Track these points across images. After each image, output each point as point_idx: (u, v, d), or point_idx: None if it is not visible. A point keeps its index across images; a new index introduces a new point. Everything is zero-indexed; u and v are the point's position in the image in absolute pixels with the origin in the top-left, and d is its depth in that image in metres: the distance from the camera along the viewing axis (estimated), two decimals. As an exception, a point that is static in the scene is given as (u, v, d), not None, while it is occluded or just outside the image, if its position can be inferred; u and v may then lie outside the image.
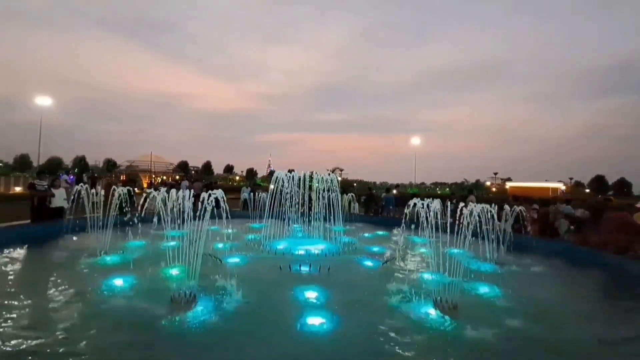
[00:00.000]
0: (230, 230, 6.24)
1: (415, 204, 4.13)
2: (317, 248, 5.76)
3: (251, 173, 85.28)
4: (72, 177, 16.75)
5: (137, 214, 4.71)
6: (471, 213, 3.99)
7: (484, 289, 3.98)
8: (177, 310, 3.01)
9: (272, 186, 6.75)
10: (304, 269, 4.53)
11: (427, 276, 4.22)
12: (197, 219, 3.53)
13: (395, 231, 8.36)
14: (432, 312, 3.23)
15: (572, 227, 7.27)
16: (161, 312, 2.97)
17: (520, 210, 6.26)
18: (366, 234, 8.01)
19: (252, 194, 11.61)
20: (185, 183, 14.33)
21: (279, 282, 4.12)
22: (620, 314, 3.55)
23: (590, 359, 2.71)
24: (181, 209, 4.35)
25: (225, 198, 4.12)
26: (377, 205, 13.13)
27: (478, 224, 4.15)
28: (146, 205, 4.48)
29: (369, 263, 5.15)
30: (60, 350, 2.32)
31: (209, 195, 3.59)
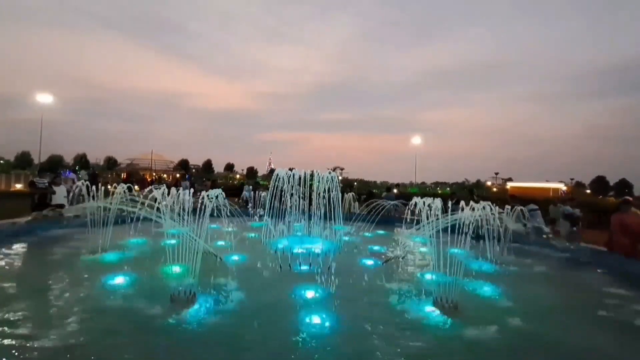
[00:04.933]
0: (230, 229, 6.23)
1: (416, 203, 4.13)
2: (317, 247, 5.74)
3: (252, 172, 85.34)
4: (69, 172, 16.75)
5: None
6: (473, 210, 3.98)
7: (484, 289, 3.97)
8: (176, 308, 2.99)
9: (271, 188, 6.73)
10: (304, 267, 4.52)
11: (427, 275, 4.20)
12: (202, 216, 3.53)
13: (395, 230, 8.35)
14: (433, 311, 3.22)
15: (574, 228, 7.24)
16: (160, 311, 2.96)
17: (520, 209, 6.25)
18: (367, 233, 8.00)
19: (253, 192, 11.61)
20: (186, 184, 14.29)
21: (278, 280, 4.11)
22: (622, 315, 3.53)
23: (591, 360, 2.70)
24: (182, 207, 4.36)
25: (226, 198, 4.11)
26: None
27: (479, 224, 4.14)
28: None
29: (369, 262, 5.13)
30: (58, 348, 2.31)
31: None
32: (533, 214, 7.23)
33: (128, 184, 6.04)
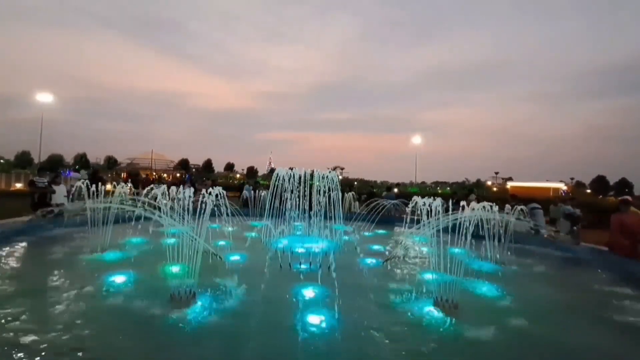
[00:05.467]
0: (230, 228, 6.23)
1: (416, 203, 4.12)
2: (317, 246, 5.74)
3: (252, 171, 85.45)
4: (70, 172, 16.78)
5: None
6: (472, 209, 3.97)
7: (485, 288, 3.96)
8: (176, 307, 2.99)
9: (271, 188, 6.72)
10: (304, 267, 4.52)
11: (427, 275, 4.19)
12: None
13: (395, 230, 8.34)
14: (433, 311, 3.21)
15: (574, 227, 7.22)
16: (160, 310, 2.95)
17: (521, 209, 6.25)
18: (366, 233, 7.99)
19: (253, 192, 11.60)
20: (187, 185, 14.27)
21: (278, 280, 4.10)
22: (622, 315, 3.53)
23: None
24: (182, 206, 4.35)
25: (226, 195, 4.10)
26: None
27: (480, 222, 4.13)
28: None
29: (369, 261, 5.13)
30: (58, 347, 2.31)
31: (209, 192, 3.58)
32: (535, 212, 7.22)
33: (127, 184, 6.03)
